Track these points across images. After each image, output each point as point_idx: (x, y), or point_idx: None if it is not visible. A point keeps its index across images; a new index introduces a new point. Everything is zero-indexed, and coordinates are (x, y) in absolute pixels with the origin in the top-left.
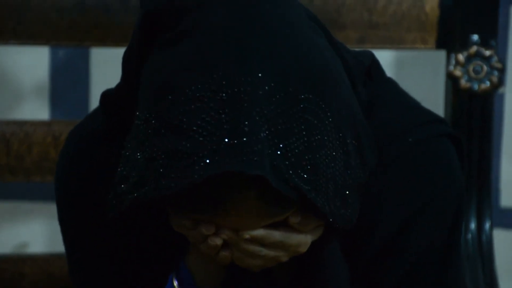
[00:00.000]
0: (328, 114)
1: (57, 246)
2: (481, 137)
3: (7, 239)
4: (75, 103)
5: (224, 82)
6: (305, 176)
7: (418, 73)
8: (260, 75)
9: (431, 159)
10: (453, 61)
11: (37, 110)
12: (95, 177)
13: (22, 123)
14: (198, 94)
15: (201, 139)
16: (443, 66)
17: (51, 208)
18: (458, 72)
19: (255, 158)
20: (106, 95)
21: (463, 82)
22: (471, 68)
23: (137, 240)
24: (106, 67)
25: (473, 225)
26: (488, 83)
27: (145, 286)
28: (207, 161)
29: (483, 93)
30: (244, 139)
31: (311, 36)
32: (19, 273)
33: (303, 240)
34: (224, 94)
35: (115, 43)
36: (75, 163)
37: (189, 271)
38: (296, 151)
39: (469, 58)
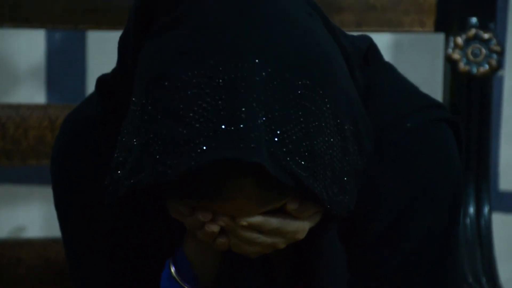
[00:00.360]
0: (326, 100)
1: (54, 230)
2: (480, 120)
3: (3, 223)
4: (71, 86)
5: (220, 68)
6: (302, 162)
7: (416, 57)
8: (256, 61)
9: (429, 145)
10: (451, 44)
11: (33, 94)
12: (91, 162)
13: (18, 107)
14: (194, 81)
15: (197, 125)
16: (442, 49)
17: (48, 192)
18: (456, 55)
19: (252, 145)
20: (102, 80)
21: (462, 65)
22: (469, 51)
23: (134, 226)
24: (102, 50)
25: (471, 209)
26: (486, 66)
27: (142, 271)
28: (204, 147)
29: (482, 76)
30: (241, 125)
31: (308, 22)
32: (16, 257)
33: (300, 227)
34: (220, 81)
35: (111, 26)
36: (71, 148)
37: (186, 257)
38: (294, 137)
39: (467, 41)
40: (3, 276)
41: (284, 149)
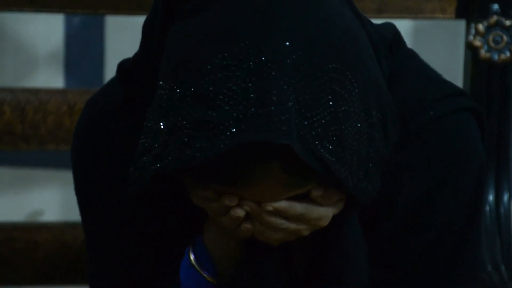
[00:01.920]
0: (355, 85)
1: (72, 214)
2: (501, 108)
3: (21, 207)
4: (90, 71)
5: (251, 51)
6: (330, 147)
7: (437, 43)
8: (287, 44)
9: (452, 134)
10: (472, 31)
11: (51, 78)
12: (112, 148)
13: (37, 91)
14: (224, 63)
15: (227, 108)
16: (463, 36)
17: (66, 176)
18: (477, 42)
19: (282, 128)
20: (123, 66)
21: (483, 53)
22: (491, 38)
23: (154, 213)
24: (120, 35)
25: (491, 197)
26: (508, 54)
27: (161, 259)
28: (233, 130)
29: (503, 64)
30: (272, 108)
31: (337, 6)
32: (33, 241)
33: (324, 213)
34: (251, 63)
35: (130, 11)
36: (92, 134)
37: (205, 247)
38: (323, 121)
39: (489, 28)
40: (20, 260)
41: (313, 133)
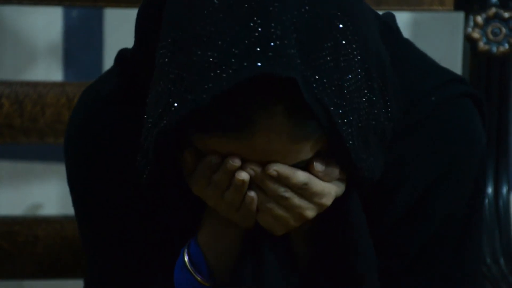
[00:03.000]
0: (356, 38)
1: (71, 208)
2: (500, 100)
3: (20, 201)
4: (89, 64)
5: None
6: (333, 97)
7: (436, 35)
8: None
9: (454, 120)
10: (471, 23)
11: (50, 71)
12: (106, 140)
13: (35, 85)
14: (226, 3)
15: (229, 46)
16: (461, 28)
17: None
18: (476, 35)
19: (287, 61)
20: (123, 54)
21: (482, 45)
22: (489, 30)
23: (152, 209)
24: (119, 28)
25: (490, 190)
26: (506, 46)
27: (157, 257)
28: (235, 67)
29: (502, 56)
30: (277, 42)
31: None
32: (33, 235)
33: (326, 189)
34: (253, 2)
35: (129, 3)
36: (87, 124)
37: (200, 249)
38: (326, 66)
39: (487, 20)
40: (20, 254)
41: (317, 77)
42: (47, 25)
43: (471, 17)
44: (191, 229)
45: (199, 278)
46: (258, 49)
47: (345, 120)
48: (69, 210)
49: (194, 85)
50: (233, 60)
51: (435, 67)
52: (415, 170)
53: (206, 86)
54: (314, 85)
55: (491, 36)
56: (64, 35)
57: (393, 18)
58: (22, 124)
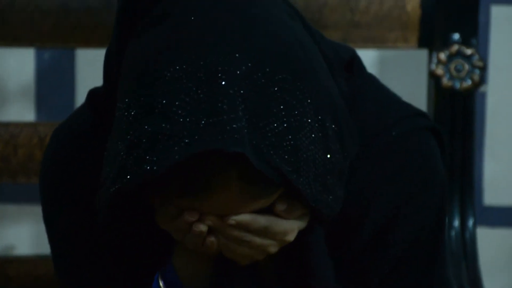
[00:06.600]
0: (306, 95)
1: (44, 248)
2: (464, 135)
3: None
4: (61, 104)
5: (201, 63)
6: (285, 157)
7: (401, 72)
8: (237, 55)
9: (414, 152)
10: (435, 60)
11: (23, 112)
12: (80, 176)
13: (7, 125)
14: (176, 75)
15: (181, 120)
16: (425, 65)
17: (38, 210)
18: (440, 71)
19: (235, 136)
20: (93, 93)
21: (445, 81)
22: (452, 66)
23: (123, 241)
24: (92, 68)
25: (456, 223)
26: (469, 82)
27: (131, 284)
28: (187, 141)
29: (465, 92)
30: (224, 116)
31: (287, 20)
32: (5, 275)
33: (289, 227)
34: (202, 75)
35: (100, 43)
36: (60, 162)
37: (175, 272)
38: (276, 131)
39: (450, 57)
40: None
41: (267, 142)
42: (20, 67)
43: (435, 54)
44: (162, 255)
45: None
46: (207, 122)
47: (300, 173)
48: (42, 250)
49: (149, 155)
50: (185, 132)
51: (397, 102)
52: (377, 200)
53: (160, 157)
54: (265, 151)
55: (454, 73)
56: (36, 76)
57: (352, 51)
58: None
